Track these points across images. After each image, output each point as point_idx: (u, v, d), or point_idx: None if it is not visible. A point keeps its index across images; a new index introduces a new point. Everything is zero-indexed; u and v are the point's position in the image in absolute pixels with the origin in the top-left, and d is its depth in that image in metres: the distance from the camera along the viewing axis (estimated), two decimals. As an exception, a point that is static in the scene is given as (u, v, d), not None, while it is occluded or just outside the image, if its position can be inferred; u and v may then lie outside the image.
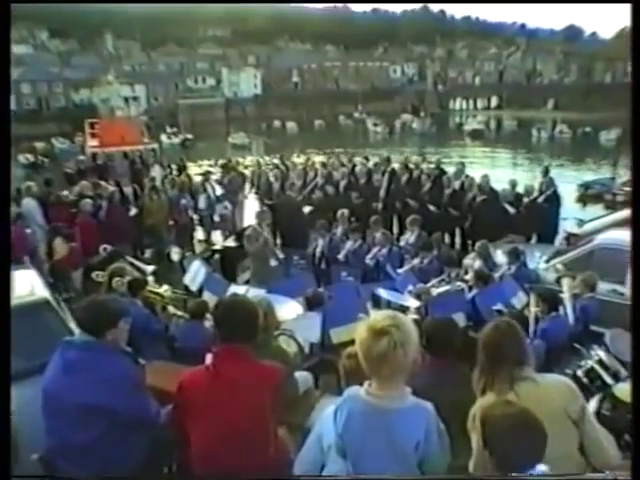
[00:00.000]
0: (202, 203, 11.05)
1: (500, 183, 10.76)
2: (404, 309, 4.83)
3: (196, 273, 6.41)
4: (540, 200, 9.61)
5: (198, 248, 10.70)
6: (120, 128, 16.30)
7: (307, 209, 10.56)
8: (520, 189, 10.11)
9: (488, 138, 49.30)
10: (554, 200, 9.67)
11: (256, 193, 12.71)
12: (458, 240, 10.34)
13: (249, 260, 7.70)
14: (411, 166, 11.58)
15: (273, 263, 7.24)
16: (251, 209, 11.52)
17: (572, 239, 8.79)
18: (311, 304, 4.96)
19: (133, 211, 9.96)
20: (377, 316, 2.03)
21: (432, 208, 9.99)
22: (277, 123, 66.24)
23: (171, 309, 4.99)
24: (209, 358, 2.49)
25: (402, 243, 8.39)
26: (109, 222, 8.79)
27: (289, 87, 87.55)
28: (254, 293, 5.01)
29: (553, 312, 4.73)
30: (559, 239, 9.38)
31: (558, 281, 5.81)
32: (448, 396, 2.36)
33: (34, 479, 2.30)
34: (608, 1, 54.01)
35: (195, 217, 11.00)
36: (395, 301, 5.03)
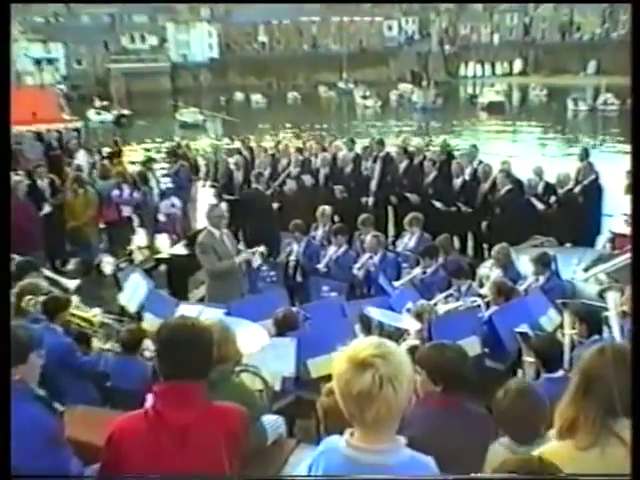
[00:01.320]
0: (143, 199, 10.98)
1: (525, 171, 10.90)
2: (401, 333, 4.87)
3: (135, 290, 6.36)
4: (577, 192, 9.70)
5: (138, 257, 10.61)
6: (30, 100, 15.97)
7: (278, 206, 10.57)
8: (551, 178, 10.20)
9: (509, 113, 50.06)
10: (595, 191, 9.75)
11: (213, 186, 12.68)
12: (471, 244, 10.47)
13: (203, 272, 7.68)
14: (411, 150, 11.69)
15: (235, 276, 7.20)
16: (206, 206, 11.48)
17: (619, 241, 8.92)
18: (283, 328, 4.97)
19: (47, 209, 9.82)
20: (359, 344, 2.02)
21: (437, 204, 10.10)
22: (239, 95, 66.34)
23: (101, 337, 4.94)
24: (149, 400, 2.47)
25: (399, 248, 8.45)
26: (13, 224, 8.64)
27: (254, 49, 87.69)
28: (209, 315, 4.99)
29: (595, 335, 4.80)
30: (602, 241, 9.54)
31: (601, 295, 5.90)
32: (456, 447, 2.37)
33: (34, 479, 2.41)
34: (608, 1, 56.70)
35: (134, 217, 10.92)
36: (390, 323, 5.06)
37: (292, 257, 8.14)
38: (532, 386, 3.16)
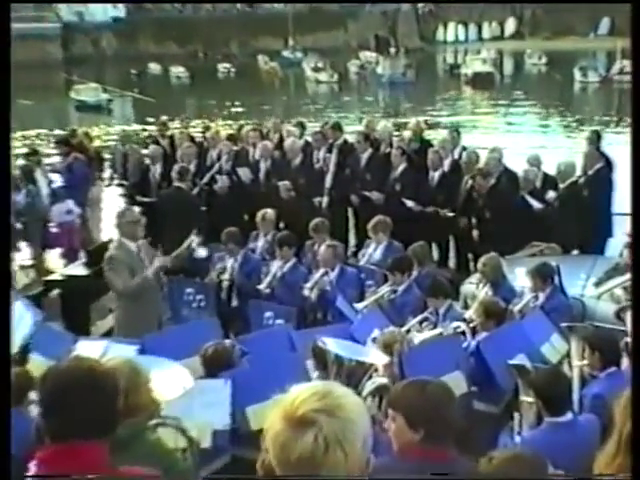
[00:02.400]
0: (27, 202, 10.78)
1: (520, 160, 11.11)
2: (365, 369, 4.88)
3: (17, 323, 6.21)
4: (584, 185, 9.83)
5: (21, 280, 10.39)
6: None
7: (206, 209, 10.50)
8: (551, 169, 10.42)
9: (500, 87, 50.97)
10: (607, 185, 9.93)
11: (121, 185, 12.54)
12: (453, 254, 10.63)
13: (111, 297, 7.56)
14: (375, 136, 11.81)
15: (152, 299, 7.13)
16: (113, 212, 11.33)
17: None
18: (214, 367, 4.94)
19: None
20: (298, 394, 1.97)
21: (409, 203, 10.18)
22: (154, 67, 65.76)
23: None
24: (33, 468, 2.43)
25: (362, 261, 8.50)
26: None
27: (173, 7, 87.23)
28: (117, 353, 4.92)
29: (611, 367, 4.89)
30: (617, 248, 9.68)
31: (619, 316, 6.05)
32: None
33: (34, 479, 2.48)
34: (608, 1, 59.67)
35: (17, 226, 10.70)
36: (351, 357, 5.06)
37: (225, 276, 8.08)
38: (524, 456, 3.20)
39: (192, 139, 12.81)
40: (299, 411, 1.91)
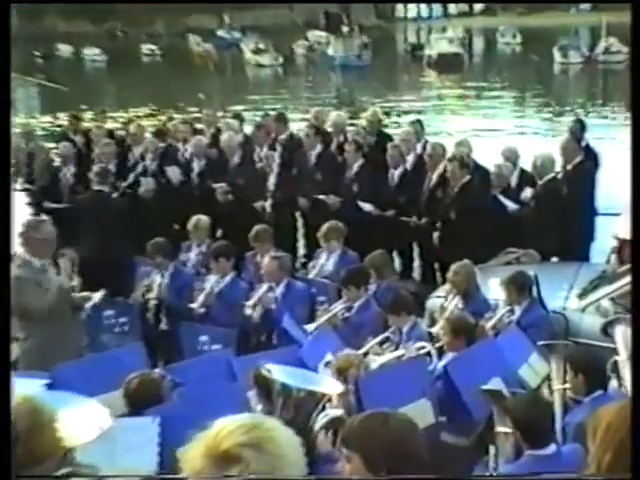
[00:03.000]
0: None
1: (492, 154, 11.21)
2: (317, 400, 4.87)
3: None
4: (564, 182, 9.94)
5: None
6: None
7: (130, 217, 10.36)
8: (527, 164, 10.50)
9: (469, 70, 51.55)
10: (588, 181, 10.09)
11: (26, 190, 12.35)
12: (417, 263, 10.72)
13: (18, 322, 7.43)
14: (327, 129, 11.87)
15: (64, 326, 7.03)
16: (17, 221, 11.15)
17: (626, 251, 9.26)
18: (139, 402, 4.90)
19: None
20: (222, 427, 2.01)
21: (366, 206, 10.25)
22: (65, 49, 65.04)
23: None
24: None
25: (312, 274, 8.53)
26: None
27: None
28: (21, 389, 4.82)
29: (597, 391, 4.98)
30: (603, 253, 9.86)
31: (605, 332, 6.14)
32: None
33: (34, 479, 2.62)
34: (608, 2, 62.09)
35: None
36: (300, 385, 5.05)
37: (152, 294, 8.05)
38: None
39: (111, 135, 12.71)
40: (222, 446, 1.94)
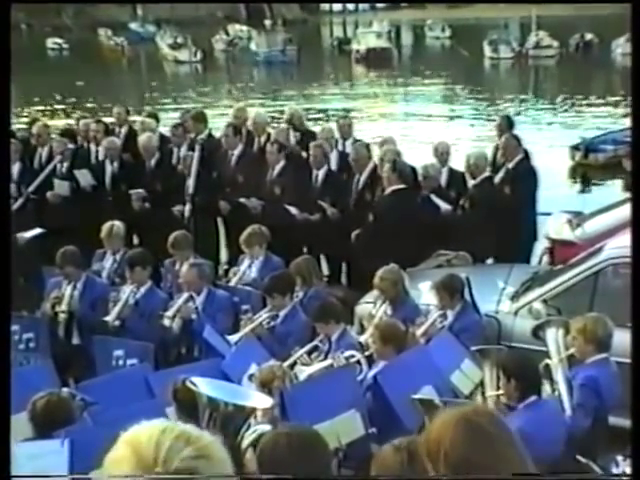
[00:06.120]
0: None
1: (421, 153, 11.30)
2: (245, 415, 4.85)
3: None
4: (497, 180, 10.13)
5: None
6: None
7: (36, 224, 10.18)
8: (458, 163, 10.67)
9: (397, 66, 51.94)
10: (525, 179, 10.16)
11: None
12: (345, 268, 10.75)
13: None
14: (248, 128, 11.86)
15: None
16: None
17: (559, 251, 9.41)
18: (47, 424, 4.85)
19: None
20: (151, 445, 1.99)
21: (291, 209, 10.24)
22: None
23: None
24: None
25: (233, 281, 8.50)
26: None
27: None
28: None
29: (531, 396, 5.05)
30: (536, 253, 10.07)
31: (536, 334, 6.23)
32: None
33: (34, 479, 2.77)
34: (608, 2, 63.94)
35: None
36: (227, 400, 5.04)
37: (62, 307, 7.89)
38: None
39: (13, 135, 12.42)
40: (172, 465, 1.89)
